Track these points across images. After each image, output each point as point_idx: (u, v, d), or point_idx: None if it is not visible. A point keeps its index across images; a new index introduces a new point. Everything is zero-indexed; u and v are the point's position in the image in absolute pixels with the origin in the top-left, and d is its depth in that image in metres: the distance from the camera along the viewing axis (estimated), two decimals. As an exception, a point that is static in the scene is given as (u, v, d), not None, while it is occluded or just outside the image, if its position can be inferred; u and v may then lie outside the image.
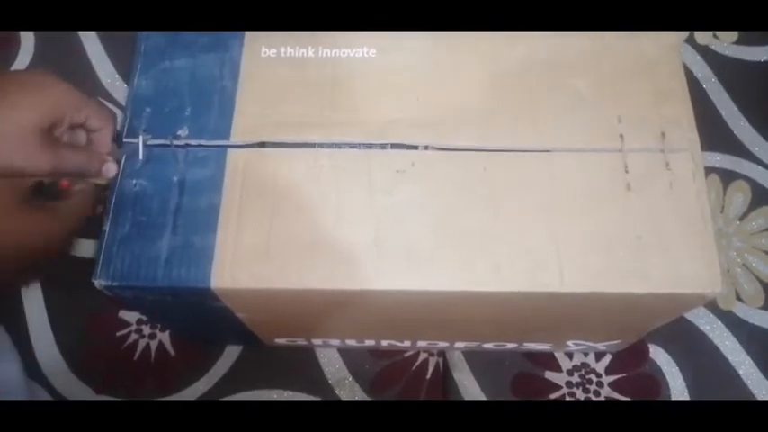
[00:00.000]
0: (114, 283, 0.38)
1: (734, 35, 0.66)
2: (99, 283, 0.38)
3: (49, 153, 0.37)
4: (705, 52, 0.65)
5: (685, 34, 0.66)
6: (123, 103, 0.62)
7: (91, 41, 0.67)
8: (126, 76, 0.65)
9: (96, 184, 0.42)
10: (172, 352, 0.56)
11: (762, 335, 0.55)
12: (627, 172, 0.40)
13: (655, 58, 0.44)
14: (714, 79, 0.64)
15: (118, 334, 0.56)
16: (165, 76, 0.44)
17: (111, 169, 0.41)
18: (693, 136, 0.41)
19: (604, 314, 0.43)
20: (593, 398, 0.53)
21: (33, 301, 0.57)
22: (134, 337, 0.56)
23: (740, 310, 0.56)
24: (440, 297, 0.39)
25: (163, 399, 0.54)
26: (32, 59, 0.66)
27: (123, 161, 0.41)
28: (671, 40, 0.45)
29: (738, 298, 0.56)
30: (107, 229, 0.39)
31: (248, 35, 0.45)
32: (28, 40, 0.67)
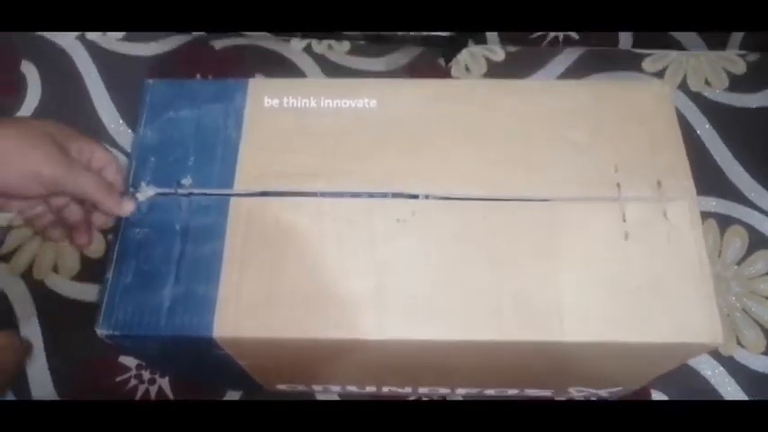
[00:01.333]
0: (116, 333, 0.38)
1: (725, 82, 0.67)
2: (101, 332, 0.38)
3: (67, 165, 0.36)
4: (697, 98, 0.67)
5: (677, 82, 0.67)
6: (128, 149, 0.63)
7: (96, 87, 0.68)
8: (130, 121, 0.66)
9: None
10: (171, 397, 0.55)
11: (763, 380, 0.55)
12: (625, 221, 0.41)
13: (648, 107, 0.45)
14: (707, 125, 0.65)
15: (117, 379, 0.56)
16: (169, 126, 0.45)
17: (128, 207, 0.41)
18: (689, 184, 0.42)
19: (605, 362, 0.43)
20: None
21: (33, 343, 0.57)
22: (134, 382, 0.56)
23: (741, 356, 0.56)
24: (440, 346, 0.39)
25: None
26: (38, 106, 0.67)
27: (127, 210, 0.42)
28: (664, 89, 0.46)
29: (739, 343, 0.56)
30: (110, 278, 0.40)
31: (252, 85, 0.46)
32: (34, 86, 0.68)
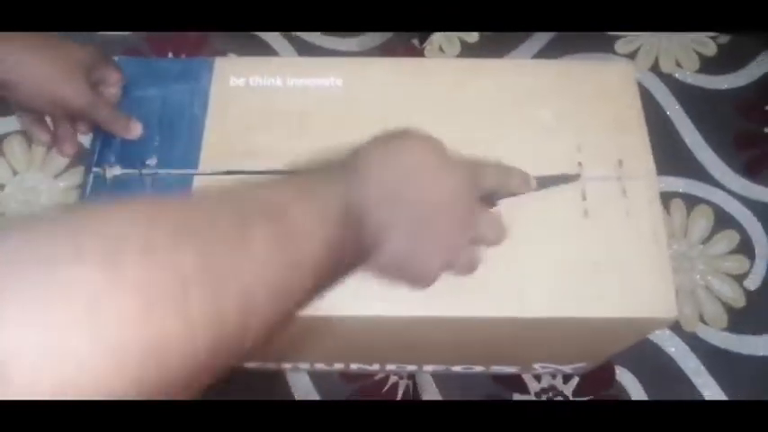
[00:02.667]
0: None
1: (696, 64, 0.68)
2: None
3: (88, 90, 0.40)
4: (669, 80, 0.67)
5: (649, 64, 0.68)
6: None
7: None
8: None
9: None
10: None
11: (724, 356, 0.56)
12: (584, 199, 0.41)
13: (613, 88, 0.45)
14: (677, 106, 0.66)
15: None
16: (135, 106, 0.44)
17: (136, 130, 0.43)
18: (649, 164, 0.43)
19: (565, 338, 0.44)
20: (562, 420, 0.54)
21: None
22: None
23: (703, 332, 0.57)
24: (405, 323, 0.39)
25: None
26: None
27: (89, 187, 0.42)
28: (628, 70, 0.46)
29: (702, 320, 0.58)
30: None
31: (218, 65, 0.45)
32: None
